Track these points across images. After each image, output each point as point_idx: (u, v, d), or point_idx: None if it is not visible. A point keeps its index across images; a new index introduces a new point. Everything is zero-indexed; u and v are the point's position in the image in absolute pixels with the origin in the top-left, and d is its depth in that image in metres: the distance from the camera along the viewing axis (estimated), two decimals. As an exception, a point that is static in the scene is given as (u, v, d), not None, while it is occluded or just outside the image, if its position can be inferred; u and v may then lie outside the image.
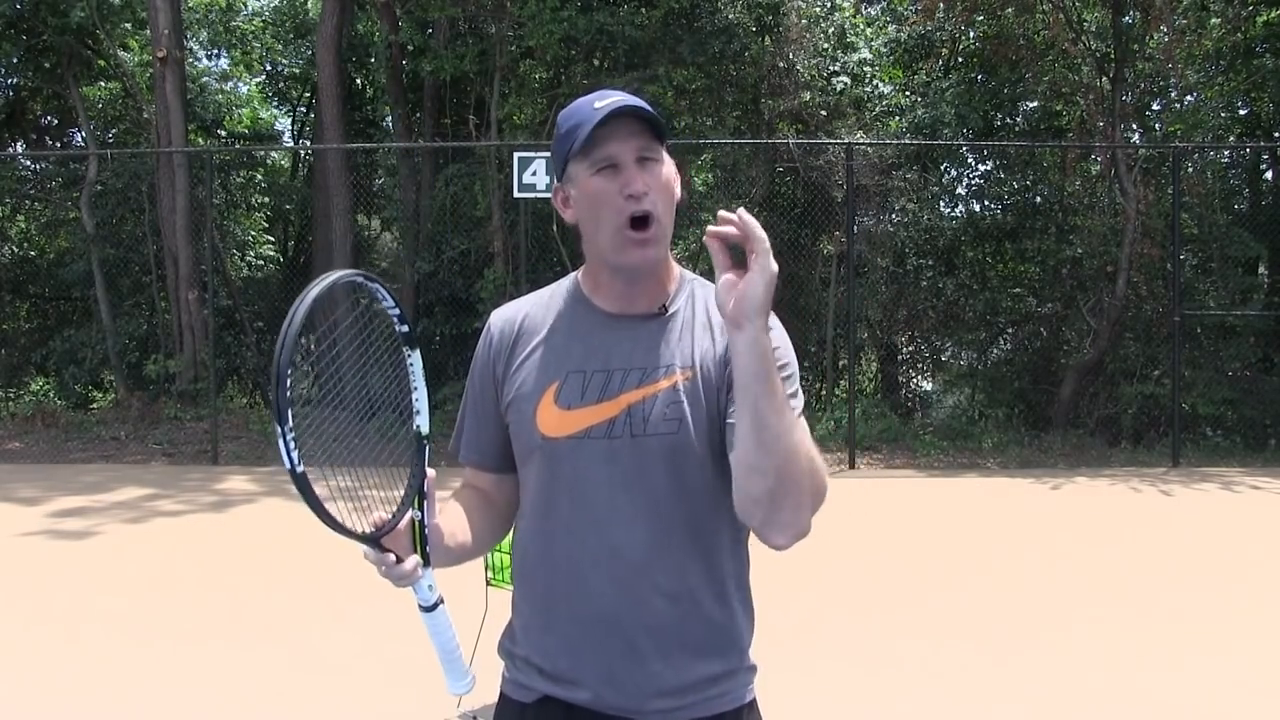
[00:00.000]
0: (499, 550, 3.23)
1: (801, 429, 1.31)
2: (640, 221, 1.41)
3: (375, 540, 1.29)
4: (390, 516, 1.32)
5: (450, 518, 1.47)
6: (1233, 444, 10.93)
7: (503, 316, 1.57)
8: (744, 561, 1.53)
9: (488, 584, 3.26)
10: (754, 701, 1.52)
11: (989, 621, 4.92)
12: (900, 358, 14.28)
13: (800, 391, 1.45)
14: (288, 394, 1.18)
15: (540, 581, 1.49)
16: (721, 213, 1.22)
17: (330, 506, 1.25)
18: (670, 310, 1.49)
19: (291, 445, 1.19)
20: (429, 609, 1.36)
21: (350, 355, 1.45)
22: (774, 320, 1.44)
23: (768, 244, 1.21)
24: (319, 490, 1.23)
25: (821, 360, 12.99)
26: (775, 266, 1.21)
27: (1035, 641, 4.62)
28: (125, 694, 3.95)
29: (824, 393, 12.74)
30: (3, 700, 3.90)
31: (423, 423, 1.36)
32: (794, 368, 1.46)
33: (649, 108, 1.44)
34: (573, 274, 1.58)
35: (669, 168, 1.45)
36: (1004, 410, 12.38)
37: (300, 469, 1.20)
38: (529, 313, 1.55)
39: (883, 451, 10.58)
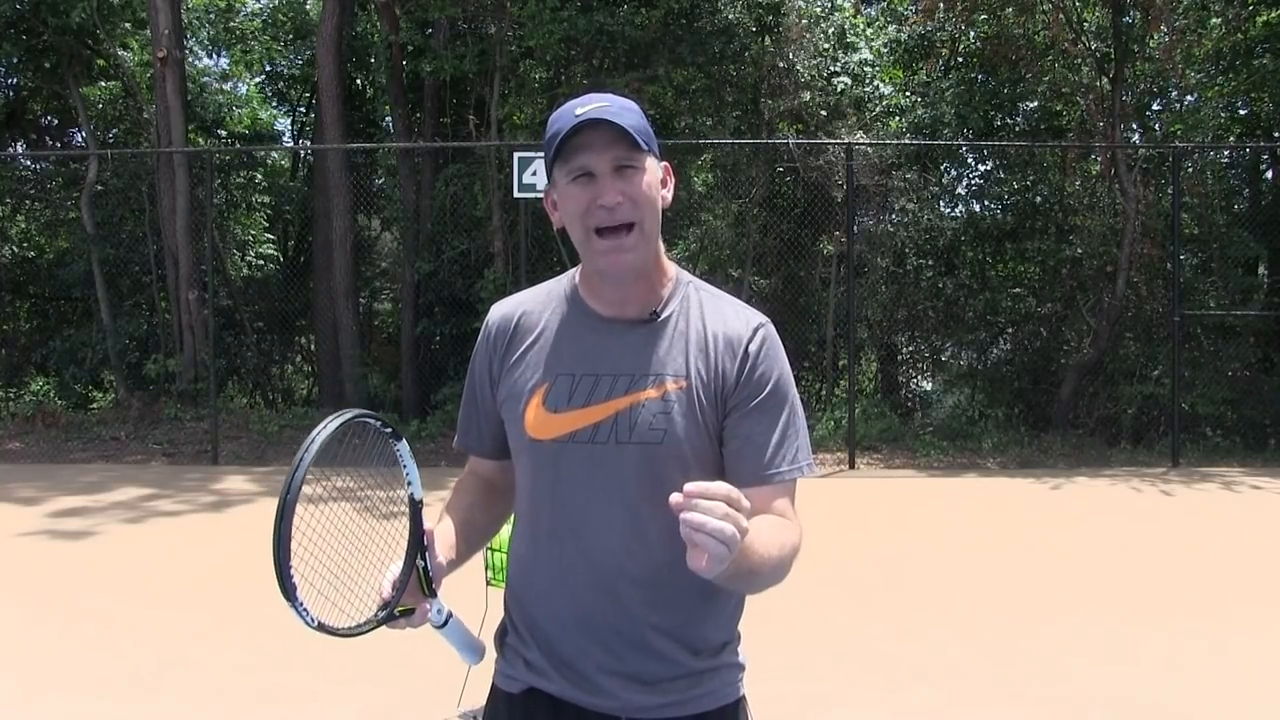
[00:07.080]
0: (498, 550, 3.24)
1: (782, 542, 1.35)
2: (611, 231, 1.39)
3: (390, 618, 1.36)
4: (393, 588, 1.35)
5: (444, 532, 1.48)
6: (1233, 444, 10.92)
7: (501, 312, 1.58)
8: None
9: (488, 584, 3.26)
10: (742, 700, 1.52)
11: (989, 622, 4.92)
12: (900, 358, 14.26)
13: (806, 444, 1.46)
14: (292, 576, 1.25)
15: (523, 582, 1.51)
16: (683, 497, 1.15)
17: (344, 618, 1.33)
18: (661, 316, 1.47)
19: (306, 611, 1.27)
20: (441, 626, 1.43)
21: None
22: (779, 352, 1.46)
23: (720, 548, 1.12)
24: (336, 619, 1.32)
25: (821, 360, 12.98)
26: (731, 545, 1.12)
27: (1035, 641, 4.62)
28: (125, 694, 3.96)
29: (824, 393, 12.72)
30: (3, 700, 3.90)
31: (415, 490, 1.41)
32: (800, 423, 1.46)
33: (629, 113, 1.40)
34: (572, 271, 1.57)
35: (650, 174, 1.42)
36: (1004, 410, 12.36)
37: (317, 623, 1.28)
38: (527, 310, 1.55)
39: (882, 451, 10.58)
